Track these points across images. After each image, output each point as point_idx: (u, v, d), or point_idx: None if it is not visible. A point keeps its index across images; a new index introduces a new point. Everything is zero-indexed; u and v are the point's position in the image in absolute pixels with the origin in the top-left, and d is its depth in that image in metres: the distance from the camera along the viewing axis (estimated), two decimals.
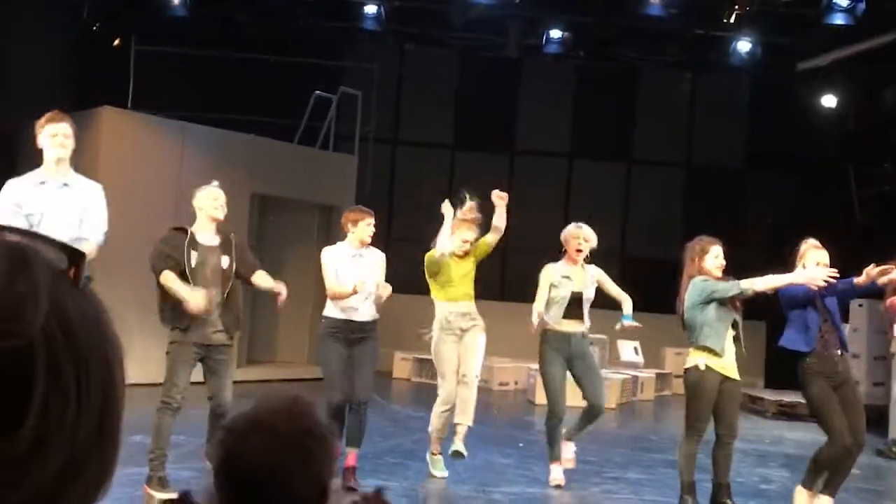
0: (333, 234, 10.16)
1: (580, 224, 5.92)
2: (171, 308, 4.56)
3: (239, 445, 1.16)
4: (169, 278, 4.52)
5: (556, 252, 13.39)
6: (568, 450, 5.70)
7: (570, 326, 5.60)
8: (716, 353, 4.75)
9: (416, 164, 12.43)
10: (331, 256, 5.23)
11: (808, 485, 5.00)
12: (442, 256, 5.44)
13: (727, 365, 4.82)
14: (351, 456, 5.10)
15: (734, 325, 4.89)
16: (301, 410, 1.21)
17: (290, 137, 10.24)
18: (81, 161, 8.50)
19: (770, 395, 9.73)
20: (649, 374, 10.42)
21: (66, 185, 4.59)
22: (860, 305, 9.66)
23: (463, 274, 5.58)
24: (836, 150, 11.09)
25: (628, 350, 10.78)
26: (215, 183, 4.88)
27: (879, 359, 9.49)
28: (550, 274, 5.72)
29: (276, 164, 9.58)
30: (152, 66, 9.78)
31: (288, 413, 1.19)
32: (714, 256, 4.92)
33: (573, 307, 5.61)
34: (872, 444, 7.77)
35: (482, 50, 11.86)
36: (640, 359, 10.63)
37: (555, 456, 5.56)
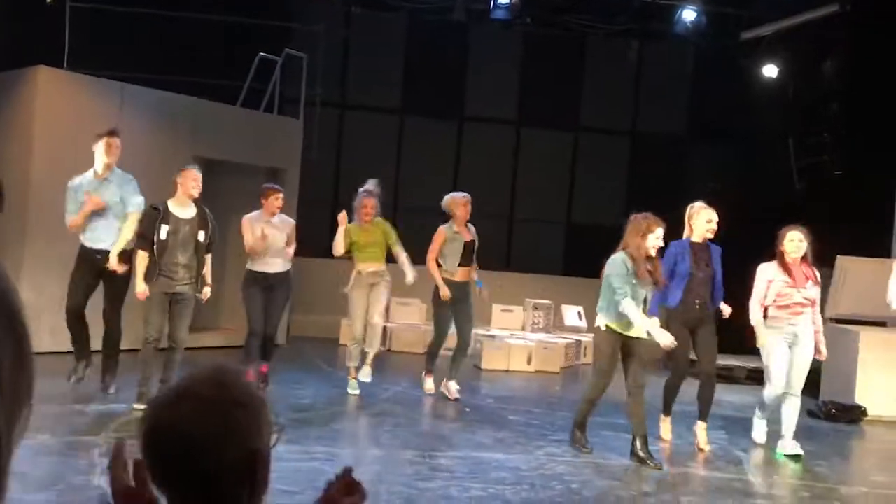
0: None
1: (465, 194, 7.19)
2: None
3: (165, 415, 1.16)
4: (138, 260, 6.03)
5: (506, 219, 13.45)
6: (452, 387, 7.04)
7: (462, 276, 6.95)
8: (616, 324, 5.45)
9: (363, 128, 12.29)
10: (248, 219, 6.83)
11: (666, 412, 6.20)
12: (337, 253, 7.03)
13: (629, 327, 5.43)
14: (264, 366, 6.83)
15: (645, 300, 5.52)
16: (228, 378, 1.21)
17: (234, 100, 10.02)
18: (16, 122, 8.27)
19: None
20: (589, 338, 10.59)
21: (106, 179, 6.37)
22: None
23: (372, 241, 6.93)
24: (777, 120, 11.32)
25: (572, 315, 10.95)
26: (194, 165, 6.39)
27: None
28: (444, 232, 7.02)
29: (219, 127, 9.37)
30: (89, 25, 9.43)
31: (214, 381, 1.20)
32: (656, 237, 5.39)
33: (465, 256, 6.94)
34: (805, 404, 8.07)
35: (429, 13, 11.74)
36: (583, 323, 10.81)
37: (429, 370, 7.15)
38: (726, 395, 8.06)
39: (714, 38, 11.46)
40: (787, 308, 5.89)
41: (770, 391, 6.00)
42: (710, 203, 6.20)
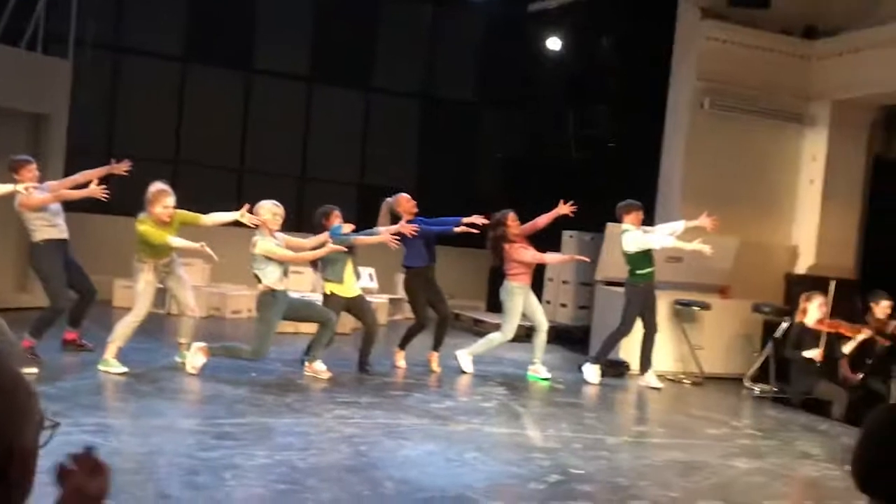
0: (43, 146, 9.10)
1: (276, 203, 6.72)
2: None
3: None
4: None
5: (297, 179, 13.05)
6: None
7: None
8: (337, 283, 7.05)
9: (141, 74, 11.42)
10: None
11: (402, 347, 7.66)
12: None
13: (347, 289, 7.10)
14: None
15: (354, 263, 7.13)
16: None
17: None
18: None
19: (490, 318, 10.44)
20: (383, 299, 10.68)
21: None
22: (571, 237, 10.58)
23: (165, 240, 6.41)
24: (560, 92, 11.86)
25: (363, 276, 10.94)
26: None
27: (585, 284, 10.53)
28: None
29: None
30: None
31: None
32: (336, 218, 7.04)
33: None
34: (576, 360, 8.65)
35: None
36: (374, 284, 10.87)
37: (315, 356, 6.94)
38: (508, 353, 8.45)
39: (504, 7, 11.76)
40: (524, 274, 7.60)
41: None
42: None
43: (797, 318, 7.73)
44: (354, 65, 12.44)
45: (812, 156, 10.20)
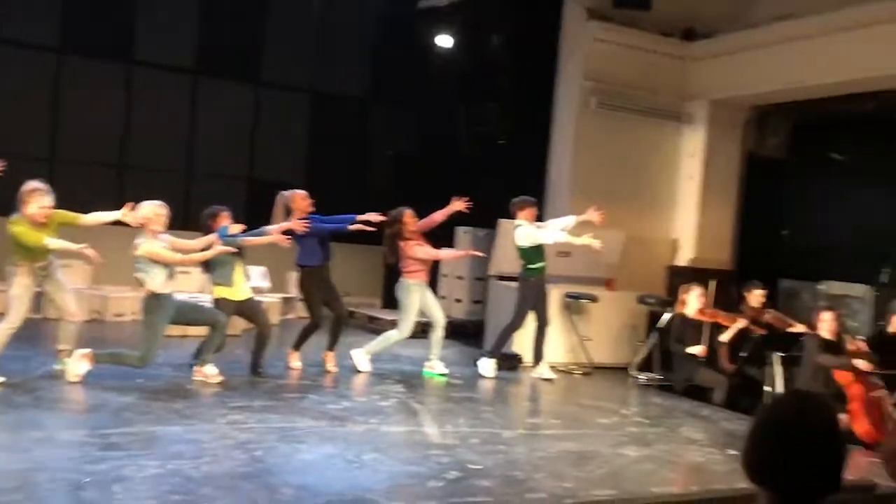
0: None
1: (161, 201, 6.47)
2: None
3: None
4: None
5: (182, 173, 12.64)
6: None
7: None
8: (226, 286, 6.88)
9: (12, 66, 10.74)
10: None
11: (296, 347, 7.53)
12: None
13: (236, 293, 6.94)
14: None
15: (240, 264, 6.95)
16: None
17: None
18: None
19: (386, 316, 10.43)
20: (275, 298, 10.49)
21: None
22: (465, 233, 10.69)
23: (42, 242, 6.08)
24: (451, 89, 11.92)
25: (255, 275, 10.71)
26: None
27: (479, 279, 10.66)
28: None
29: None
30: None
31: None
32: (225, 218, 6.87)
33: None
34: (472, 355, 8.75)
35: None
36: (267, 283, 10.66)
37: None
38: (405, 350, 8.46)
39: (395, 3, 11.73)
40: (421, 271, 7.61)
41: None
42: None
43: (677, 310, 8.08)
44: (242, 58, 12.12)
45: (691, 153, 10.68)
